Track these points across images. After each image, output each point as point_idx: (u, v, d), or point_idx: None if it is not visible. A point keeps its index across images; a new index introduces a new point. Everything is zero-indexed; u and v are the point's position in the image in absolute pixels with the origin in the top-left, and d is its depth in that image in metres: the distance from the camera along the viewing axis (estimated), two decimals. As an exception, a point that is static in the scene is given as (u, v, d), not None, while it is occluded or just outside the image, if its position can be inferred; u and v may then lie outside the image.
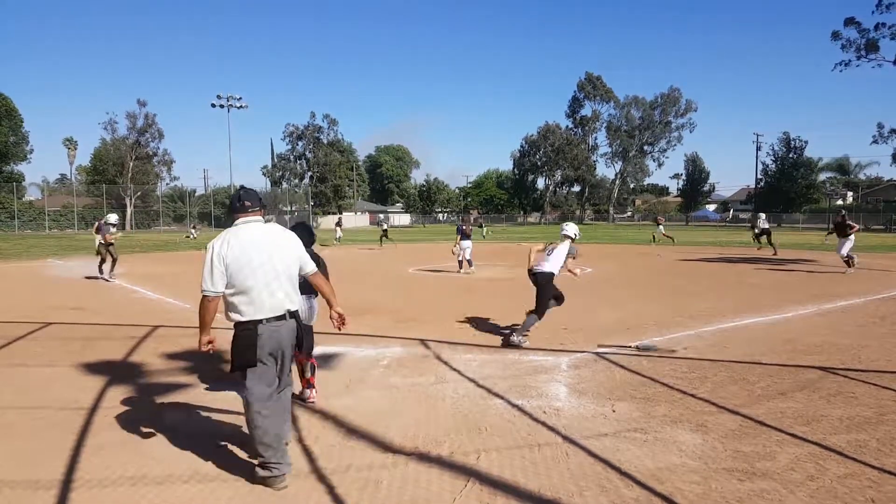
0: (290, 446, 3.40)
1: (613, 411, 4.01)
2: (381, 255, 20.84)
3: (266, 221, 3.09)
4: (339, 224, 32.29)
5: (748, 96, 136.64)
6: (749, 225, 20.68)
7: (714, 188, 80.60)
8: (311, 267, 3.20)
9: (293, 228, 3.67)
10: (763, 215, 22.83)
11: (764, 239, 19.75)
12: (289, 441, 3.20)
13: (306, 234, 3.84)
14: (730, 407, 4.06)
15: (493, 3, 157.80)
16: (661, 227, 27.05)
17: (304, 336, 3.17)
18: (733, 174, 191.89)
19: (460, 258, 13.82)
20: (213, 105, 49.93)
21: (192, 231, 36.70)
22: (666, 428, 3.68)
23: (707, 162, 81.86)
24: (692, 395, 4.34)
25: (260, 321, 2.87)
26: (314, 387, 4.26)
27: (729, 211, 77.82)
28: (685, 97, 69.13)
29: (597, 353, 5.66)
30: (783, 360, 5.41)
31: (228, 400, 4.30)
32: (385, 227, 27.31)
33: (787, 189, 58.39)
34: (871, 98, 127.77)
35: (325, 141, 62.55)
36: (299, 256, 3.12)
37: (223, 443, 3.46)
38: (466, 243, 13.67)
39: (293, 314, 3.01)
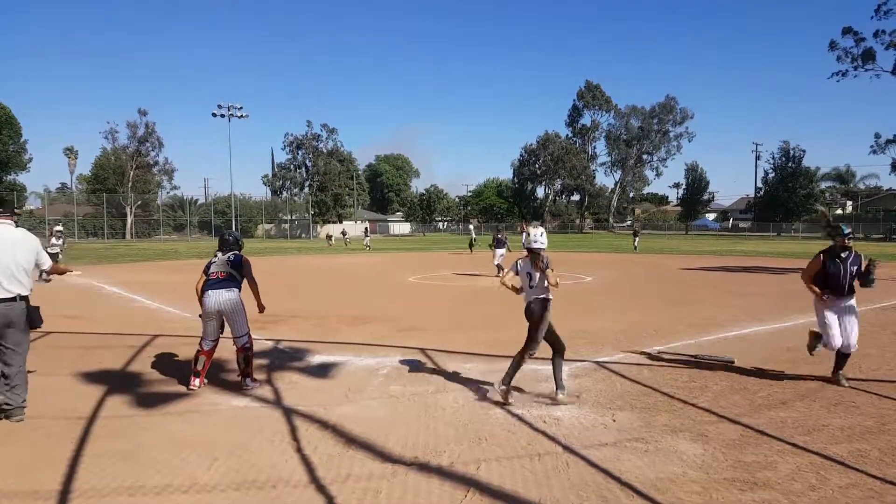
0: (290, 456, 3.39)
1: (614, 421, 3.99)
2: (381, 264, 20.85)
3: (17, 226, 4.06)
4: (366, 232, 33.67)
5: (748, 106, 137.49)
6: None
7: (714, 197, 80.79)
8: (47, 264, 4.26)
9: (221, 240, 5.02)
10: (501, 226, 27.95)
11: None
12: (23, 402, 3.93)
13: (232, 243, 4.99)
14: (730, 416, 4.05)
15: (493, 12, 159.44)
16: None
17: (33, 315, 3.93)
18: (733, 184, 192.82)
19: (497, 263, 15.10)
20: (214, 114, 50.29)
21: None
22: (667, 437, 3.67)
23: (708, 171, 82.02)
24: (693, 405, 4.33)
25: None
26: (251, 376, 4.77)
27: (729, 220, 77.97)
28: (681, 105, 69.55)
29: (597, 363, 5.65)
30: (784, 369, 5.41)
31: (228, 409, 4.30)
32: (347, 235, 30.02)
33: (786, 199, 58.58)
34: (871, 107, 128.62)
35: (325, 150, 62.81)
36: (38, 254, 4.07)
37: (222, 453, 3.44)
38: (501, 251, 15.25)
39: (23, 297, 3.88)
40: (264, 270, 18.72)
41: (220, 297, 4.64)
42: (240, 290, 4.80)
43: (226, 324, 4.74)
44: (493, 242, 15.80)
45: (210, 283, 4.72)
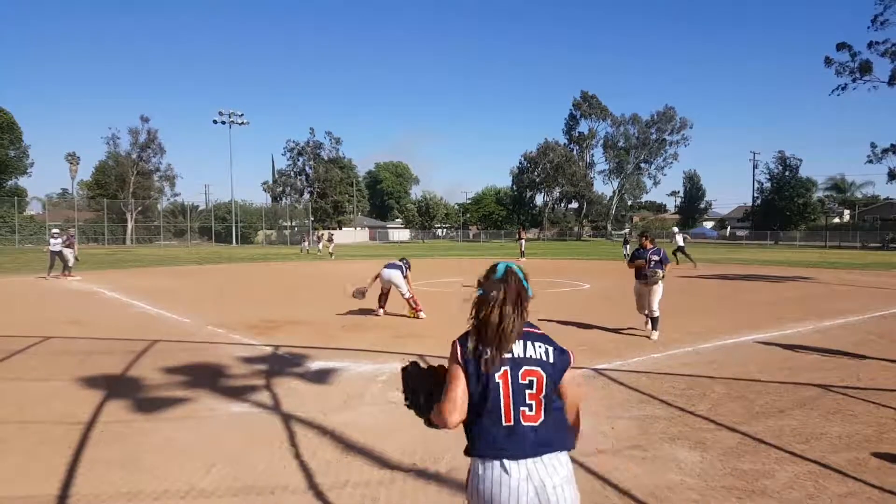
0: (288, 462, 3.39)
1: (612, 428, 4.00)
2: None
3: None
4: (330, 238, 32.44)
5: (746, 115, 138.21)
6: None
7: (711, 206, 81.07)
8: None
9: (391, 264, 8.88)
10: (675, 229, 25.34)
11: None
12: None
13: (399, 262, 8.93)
14: (728, 424, 4.06)
15: (493, 21, 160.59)
16: (523, 241, 29.25)
17: None
18: (731, 192, 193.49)
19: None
20: (215, 121, 50.54)
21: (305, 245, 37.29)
22: (665, 445, 3.67)
23: (705, 180, 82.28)
24: (691, 413, 4.33)
25: None
26: (419, 308, 9.15)
27: (726, 228, 78.15)
28: (679, 115, 69.80)
29: (595, 370, 5.65)
30: (782, 377, 5.41)
31: (226, 415, 4.29)
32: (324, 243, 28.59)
33: (784, 207, 58.79)
34: (869, 117, 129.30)
35: (326, 157, 62.98)
36: None
37: (220, 458, 3.44)
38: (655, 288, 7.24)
39: None
40: (263, 276, 18.73)
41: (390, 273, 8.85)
42: (402, 272, 8.86)
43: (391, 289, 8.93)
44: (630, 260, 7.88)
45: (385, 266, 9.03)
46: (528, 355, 1.63)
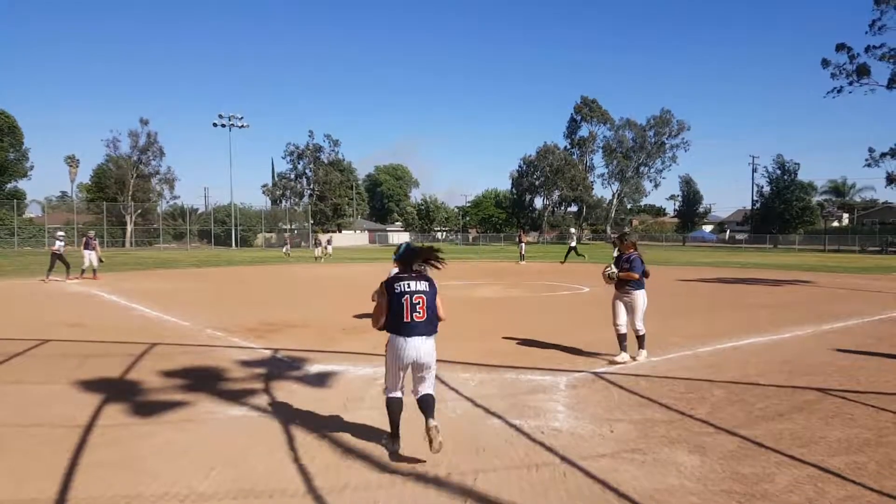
0: (287, 465, 3.39)
1: (611, 431, 4.00)
2: (379, 272, 20.82)
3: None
4: (316, 242, 32.26)
5: (747, 118, 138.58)
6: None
7: (710, 209, 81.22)
8: None
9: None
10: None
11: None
12: None
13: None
14: (728, 428, 4.06)
15: (493, 24, 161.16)
16: (523, 245, 28.82)
17: None
18: (731, 196, 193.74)
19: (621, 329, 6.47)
20: (215, 124, 50.69)
21: (287, 248, 36.99)
22: (664, 449, 3.67)
23: (704, 183, 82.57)
24: (690, 416, 4.33)
25: None
26: None
27: (725, 232, 78.31)
28: (676, 118, 69.86)
29: (595, 373, 5.65)
30: (781, 380, 5.41)
31: (226, 418, 4.29)
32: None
33: (783, 211, 58.93)
34: (867, 120, 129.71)
35: (326, 160, 63.08)
36: None
37: (220, 461, 3.44)
38: (635, 295, 6.48)
39: None
40: (262, 279, 18.73)
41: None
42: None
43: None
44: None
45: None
46: (416, 288, 3.49)
